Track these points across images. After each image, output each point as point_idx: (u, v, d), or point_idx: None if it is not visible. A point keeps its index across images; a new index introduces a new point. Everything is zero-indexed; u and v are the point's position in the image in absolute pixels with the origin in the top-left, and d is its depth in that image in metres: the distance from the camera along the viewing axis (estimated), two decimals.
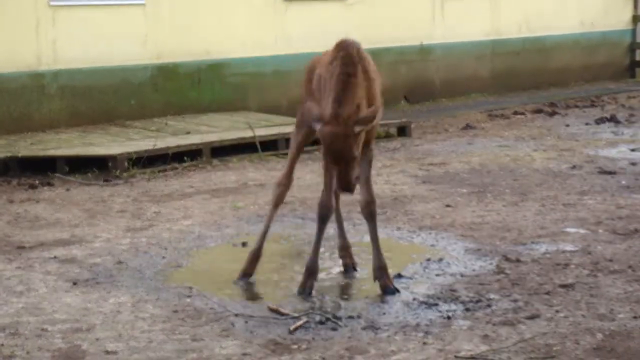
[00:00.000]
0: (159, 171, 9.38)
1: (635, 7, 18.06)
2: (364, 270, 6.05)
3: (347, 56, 5.33)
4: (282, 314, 5.22)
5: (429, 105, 14.47)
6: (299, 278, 5.77)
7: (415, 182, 8.76)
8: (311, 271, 5.66)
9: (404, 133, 11.53)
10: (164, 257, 6.40)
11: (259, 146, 10.20)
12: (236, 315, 5.21)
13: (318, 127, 5.21)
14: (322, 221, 5.65)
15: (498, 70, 15.85)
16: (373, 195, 5.67)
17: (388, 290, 5.56)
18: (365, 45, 14.08)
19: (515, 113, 13.39)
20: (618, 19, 17.95)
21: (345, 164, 5.17)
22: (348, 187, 5.24)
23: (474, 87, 15.54)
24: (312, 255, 5.69)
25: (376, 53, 14.03)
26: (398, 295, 5.51)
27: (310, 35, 13.28)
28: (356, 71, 5.28)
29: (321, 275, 5.94)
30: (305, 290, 5.59)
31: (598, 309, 5.15)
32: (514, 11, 15.88)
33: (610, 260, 6.03)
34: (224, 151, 10.10)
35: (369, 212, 5.66)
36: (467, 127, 12.13)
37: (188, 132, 10.89)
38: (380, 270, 5.63)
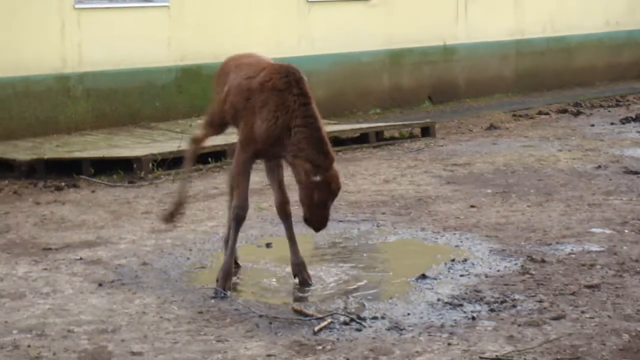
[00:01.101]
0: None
1: None
2: (387, 271, 6.04)
3: (308, 97, 5.55)
4: (307, 315, 5.23)
5: (453, 106, 14.44)
6: (323, 279, 5.79)
7: (439, 182, 8.74)
8: (227, 273, 5.72)
9: (427, 133, 11.51)
10: (188, 258, 6.43)
11: None
12: (260, 316, 5.22)
13: (319, 178, 5.39)
14: (238, 222, 5.78)
15: (522, 70, 15.79)
16: (287, 195, 5.95)
17: (306, 284, 5.80)
18: (389, 46, 14.14)
19: (540, 113, 13.34)
20: None
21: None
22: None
23: (498, 87, 15.49)
24: (228, 257, 5.77)
25: (399, 54, 14.09)
26: (422, 295, 5.51)
27: (333, 36, 13.29)
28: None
29: (342, 276, 5.95)
30: (221, 292, 5.61)
31: (624, 310, 5.12)
32: (538, 11, 15.81)
33: (637, 261, 6.00)
34: None
35: (285, 212, 5.94)
36: (491, 127, 12.10)
37: None
38: (298, 266, 5.87)
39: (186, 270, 6.19)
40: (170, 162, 9.43)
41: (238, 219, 5.77)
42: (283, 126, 5.49)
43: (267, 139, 5.55)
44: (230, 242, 5.82)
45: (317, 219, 5.57)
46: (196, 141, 6.44)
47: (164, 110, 11.73)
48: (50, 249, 6.70)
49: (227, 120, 6.04)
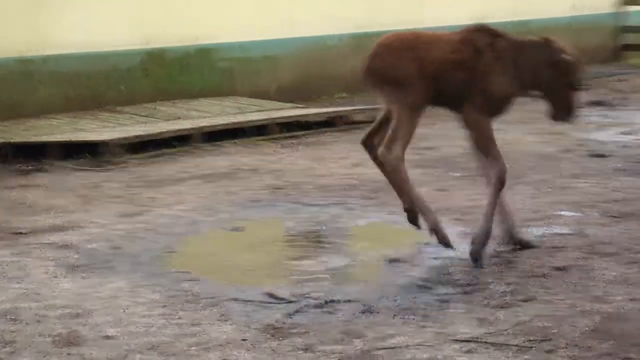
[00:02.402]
0: (151, 157, 9.38)
1: None
2: (359, 255, 6.07)
3: None
4: (279, 298, 5.25)
5: None
6: (295, 262, 5.80)
7: (408, 166, 8.66)
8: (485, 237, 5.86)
9: None
10: (159, 243, 6.42)
11: (250, 131, 10.21)
12: (233, 299, 5.23)
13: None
14: (503, 186, 5.87)
15: None
16: None
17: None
18: (354, 30, 14.06)
19: None
20: (608, 1, 17.98)
21: None
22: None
23: None
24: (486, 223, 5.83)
25: (365, 37, 14.06)
26: (394, 279, 5.54)
27: (300, 20, 13.27)
28: None
29: (314, 259, 5.98)
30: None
31: (594, 292, 5.19)
32: None
33: (605, 243, 6.07)
34: (215, 136, 10.10)
35: None
36: None
37: (179, 118, 10.88)
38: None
39: (157, 254, 6.18)
40: (137, 146, 9.40)
41: (503, 182, 5.82)
42: None
43: None
44: (490, 208, 5.84)
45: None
46: None
47: (129, 94, 11.66)
48: (20, 233, 6.66)
49: None
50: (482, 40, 5.87)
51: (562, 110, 5.95)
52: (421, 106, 5.90)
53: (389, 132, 5.91)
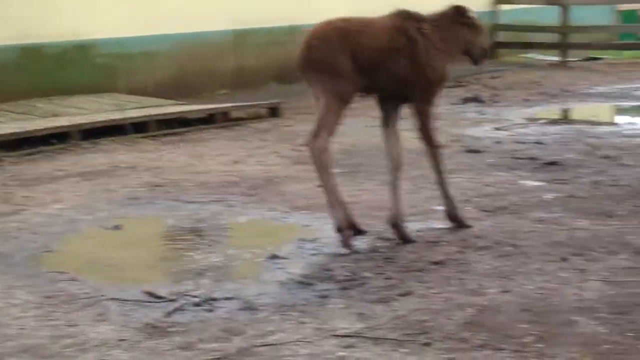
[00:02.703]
0: (27, 154, 9.19)
1: None
2: (239, 252, 6.08)
3: None
4: (158, 297, 5.21)
5: (299, 87, 14.52)
6: (175, 260, 5.76)
7: (287, 163, 8.82)
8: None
9: (274, 114, 11.57)
10: (35, 242, 6.30)
11: (129, 128, 10.09)
12: (111, 299, 5.17)
13: None
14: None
15: None
16: None
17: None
18: (234, 26, 14.05)
19: None
20: (481, 0, 18.37)
21: None
22: None
23: None
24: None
25: (245, 33, 14.07)
26: (274, 275, 5.56)
27: (179, 16, 13.17)
28: None
29: (193, 257, 5.96)
30: None
31: (468, 285, 5.31)
32: None
33: (479, 237, 6.21)
34: (93, 133, 9.96)
35: None
36: None
37: (56, 115, 10.69)
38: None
39: (33, 254, 6.06)
40: (12, 144, 9.19)
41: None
42: None
43: None
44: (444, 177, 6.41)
45: None
46: None
47: (4, 90, 11.39)
48: None
49: None
50: (412, 28, 6.12)
51: (479, 58, 6.50)
52: (352, 96, 6.02)
53: (316, 121, 6.01)
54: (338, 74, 5.91)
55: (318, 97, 6.06)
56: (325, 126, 5.95)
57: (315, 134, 5.98)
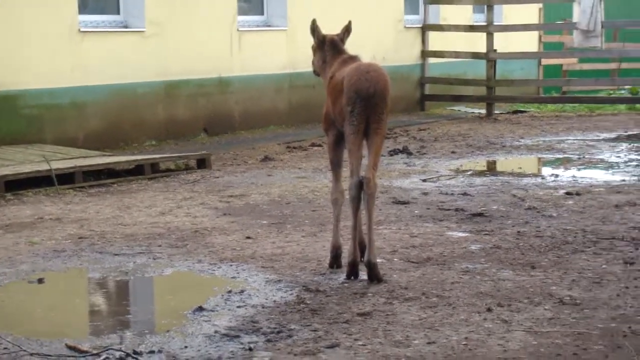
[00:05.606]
0: None
1: (424, 43, 18.84)
2: (164, 304, 6.01)
3: None
4: (81, 351, 5.12)
5: (228, 138, 14.56)
6: (98, 313, 5.68)
7: (215, 214, 8.78)
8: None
9: (203, 165, 11.54)
10: None
11: (55, 179, 9.97)
12: (32, 354, 5.06)
13: None
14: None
15: (295, 103, 16.13)
16: None
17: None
18: (164, 77, 14.13)
19: (313, 145, 13.66)
20: (409, 54, 18.65)
21: None
22: None
23: (272, 120, 15.75)
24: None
25: (175, 85, 14.07)
26: (199, 328, 5.51)
27: (107, 66, 13.13)
28: None
29: (118, 310, 5.87)
30: None
31: (394, 336, 5.31)
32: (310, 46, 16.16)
33: (406, 288, 6.24)
34: (18, 185, 9.82)
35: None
36: (266, 158, 12.28)
37: None
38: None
39: None
40: None
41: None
42: None
43: None
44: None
45: None
46: None
47: None
48: None
49: None
50: None
51: None
52: None
53: (372, 157, 6.40)
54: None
55: (360, 132, 6.45)
56: (377, 163, 6.45)
57: (373, 168, 6.35)
